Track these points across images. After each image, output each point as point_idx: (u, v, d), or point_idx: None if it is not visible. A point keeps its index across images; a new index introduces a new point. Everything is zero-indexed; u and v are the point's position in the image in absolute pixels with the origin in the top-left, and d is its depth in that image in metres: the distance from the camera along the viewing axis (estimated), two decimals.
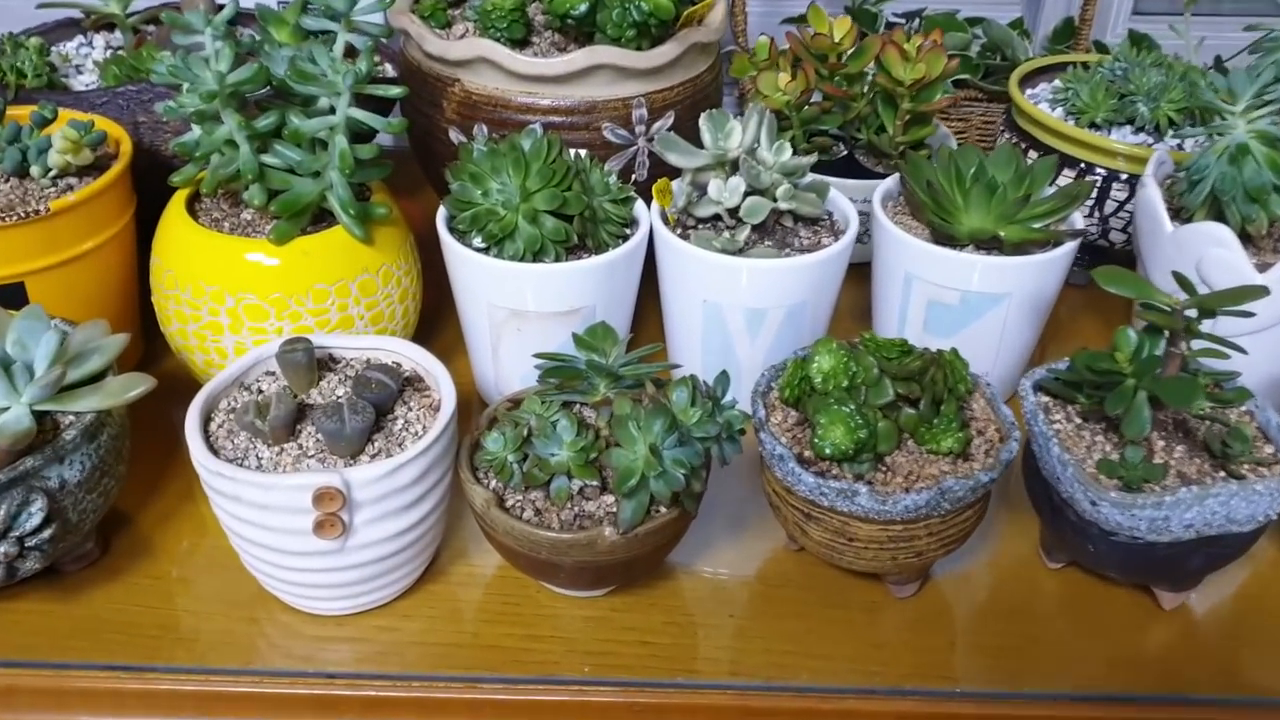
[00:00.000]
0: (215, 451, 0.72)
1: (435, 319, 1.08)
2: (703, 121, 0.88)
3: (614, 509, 0.73)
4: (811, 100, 1.11)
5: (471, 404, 1.00)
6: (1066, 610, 0.81)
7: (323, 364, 0.80)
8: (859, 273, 0.99)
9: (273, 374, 0.79)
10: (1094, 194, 1.07)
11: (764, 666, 0.76)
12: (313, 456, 0.72)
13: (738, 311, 0.89)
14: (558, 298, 0.87)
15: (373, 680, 0.75)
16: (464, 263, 0.88)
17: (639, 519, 0.71)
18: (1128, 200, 1.07)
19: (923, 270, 0.91)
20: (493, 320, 0.89)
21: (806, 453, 0.75)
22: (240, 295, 0.85)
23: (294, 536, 0.71)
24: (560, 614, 0.80)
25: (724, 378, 0.75)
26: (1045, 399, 0.81)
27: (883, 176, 1.06)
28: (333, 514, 0.69)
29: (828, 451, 0.72)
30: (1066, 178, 1.08)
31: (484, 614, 0.80)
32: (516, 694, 0.75)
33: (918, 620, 0.80)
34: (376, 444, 0.73)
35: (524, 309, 0.87)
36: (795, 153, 0.90)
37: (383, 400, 0.74)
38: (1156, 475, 0.73)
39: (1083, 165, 1.08)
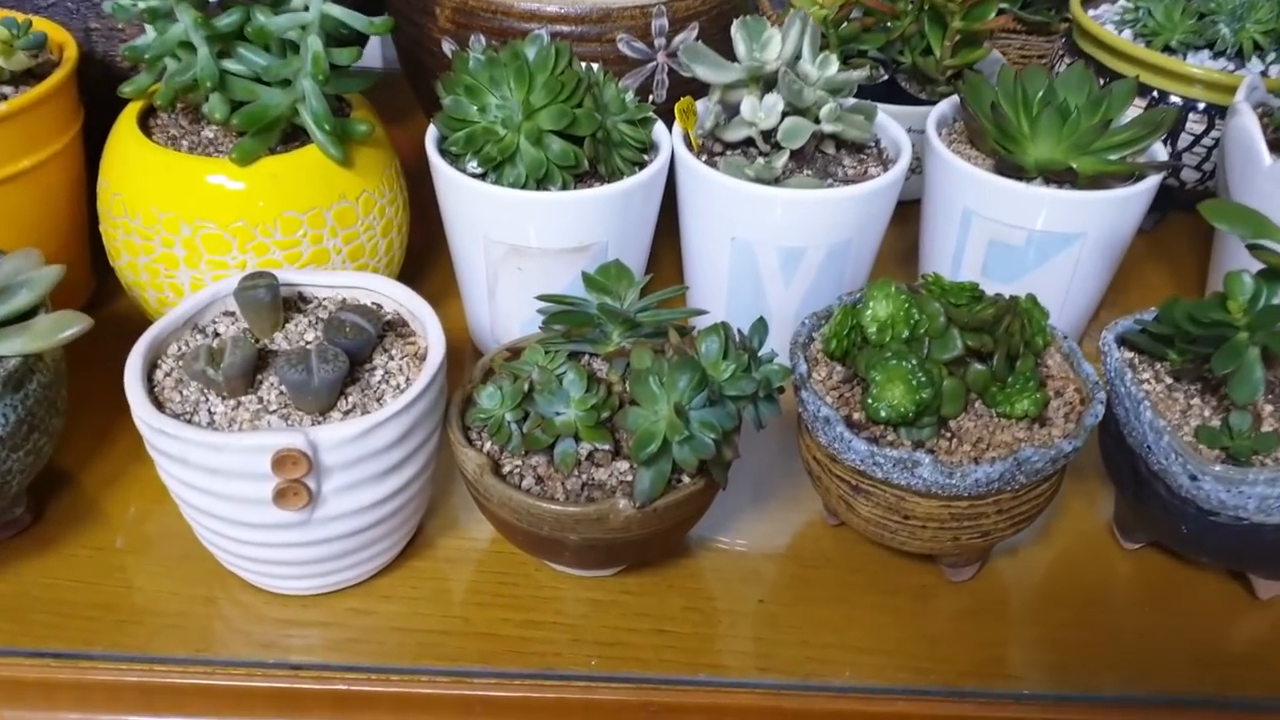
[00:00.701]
0: (160, 405, 0.61)
1: (425, 258, 0.97)
2: (736, 29, 0.77)
3: (628, 478, 0.63)
4: (851, 16, 1.00)
5: (465, 354, 0.89)
6: (1145, 598, 0.71)
7: (290, 304, 0.69)
8: (900, 213, 0.88)
9: (232, 315, 0.68)
10: None
11: (799, 661, 0.66)
12: (275, 412, 0.61)
13: (771, 251, 0.78)
14: (565, 232, 0.76)
15: (344, 672, 0.65)
16: (457, 190, 0.77)
17: (659, 491, 0.61)
18: (1205, 133, 0.96)
19: (984, 205, 0.80)
20: (489, 258, 0.78)
21: (856, 415, 0.64)
22: (198, 224, 0.75)
23: (251, 507, 0.60)
24: (564, 596, 0.70)
25: (761, 325, 0.64)
26: (1129, 355, 0.71)
27: (927, 104, 0.94)
28: (296, 481, 0.59)
29: (883, 414, 0.61)
30: (1136, 108, 0.96)
31: (475, 596, 0.69)
32: (512, 690, 0.65)
33: (976, 609, 0.70)
34: (350, 398, 0.62)
35: (525, 245, 0.76)
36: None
37: (358, 347, 0.64)
38: (1268, 445, 0.62)
39: (1154, 94, 0.97)
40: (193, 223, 0.75)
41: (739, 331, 0.62)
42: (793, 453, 0.74)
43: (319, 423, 0.61)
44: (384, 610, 0.68)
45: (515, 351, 0.70)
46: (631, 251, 0.81)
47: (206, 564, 0.69)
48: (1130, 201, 0.80)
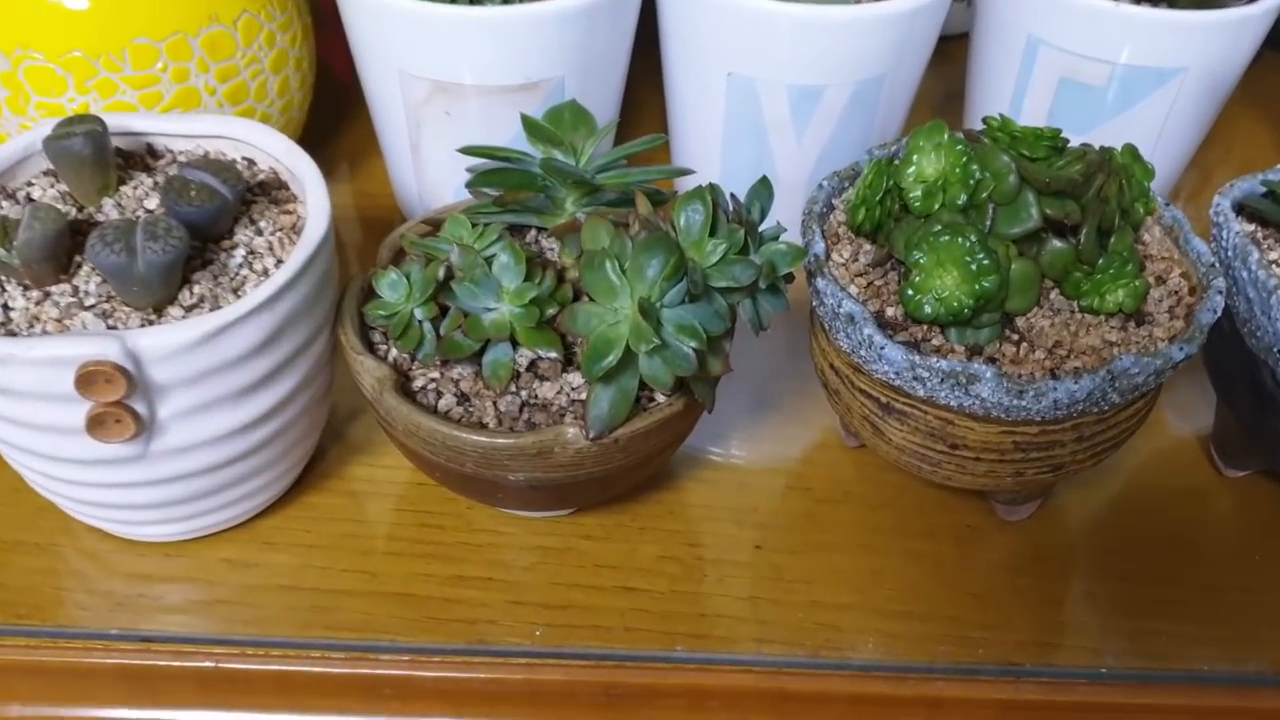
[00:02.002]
0: None
1: (346, 107, 0.80)
2: None
3: (583, 396, 0.48)
4: None
5: (391, 229, 0.73)
6: (1252, 543, 0.57)
7: (134, 160, 0.53)
8: (940, 52, 0.71)
9: (55, 175, 0.52)
10: None
11: (807, 629, 0.52)
12: (92, 308, 0.46)
13: (779, 91, 0.61)
14: (506, 63, 0.59)
15: (211, 646, 0.51)
16: (362, 6, 0.60)
17: (620, 416, 0.46)
18: None
19: (1056, 32, 0.64)
20: (409, 100, 0.62)
21: (890, 311, 0.48)
22: (21, 54, 0.58)
23: (62, 438, 0.45)
24: (504, 543, 0.55)
25: (764, 188, 0.48)
26: (1251, 227, 0.55)
27: None
28: (115, 404, 0.44)
29: (928, 311, 0.46)
30: None
31: (389, 542, 0.55)
32: (431, 669, 0.51)
33: (1036, 557, 0.56)
34: (198, 289, 0.47)
35: (455, 81, 0.60)
36: None
37: (208, 217, 0.48)
38: None
39: None
40: (13, 52, 0.58)
41: (732, 198, 0.46)
42: (803, 352, 0.58)
43: (150, 322, 0.46)
44: (267, 562, 0.54)
45: (436, 225, 0.54)
46: (596, 92, 0.64)
47: (37, 500, 0.54)
48: (1246, 27, 0.63)
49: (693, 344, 0.43)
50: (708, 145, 0.67)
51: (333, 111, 0.79)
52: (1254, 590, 0.55)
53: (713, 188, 0.46)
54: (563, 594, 0.53)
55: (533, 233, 0.55)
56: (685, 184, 0.72)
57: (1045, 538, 0.57)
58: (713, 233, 0.45)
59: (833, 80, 0.61)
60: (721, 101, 0.64)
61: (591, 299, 0.45)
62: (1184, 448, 0.62)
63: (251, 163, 0.54)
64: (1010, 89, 0.67)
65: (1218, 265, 0.50)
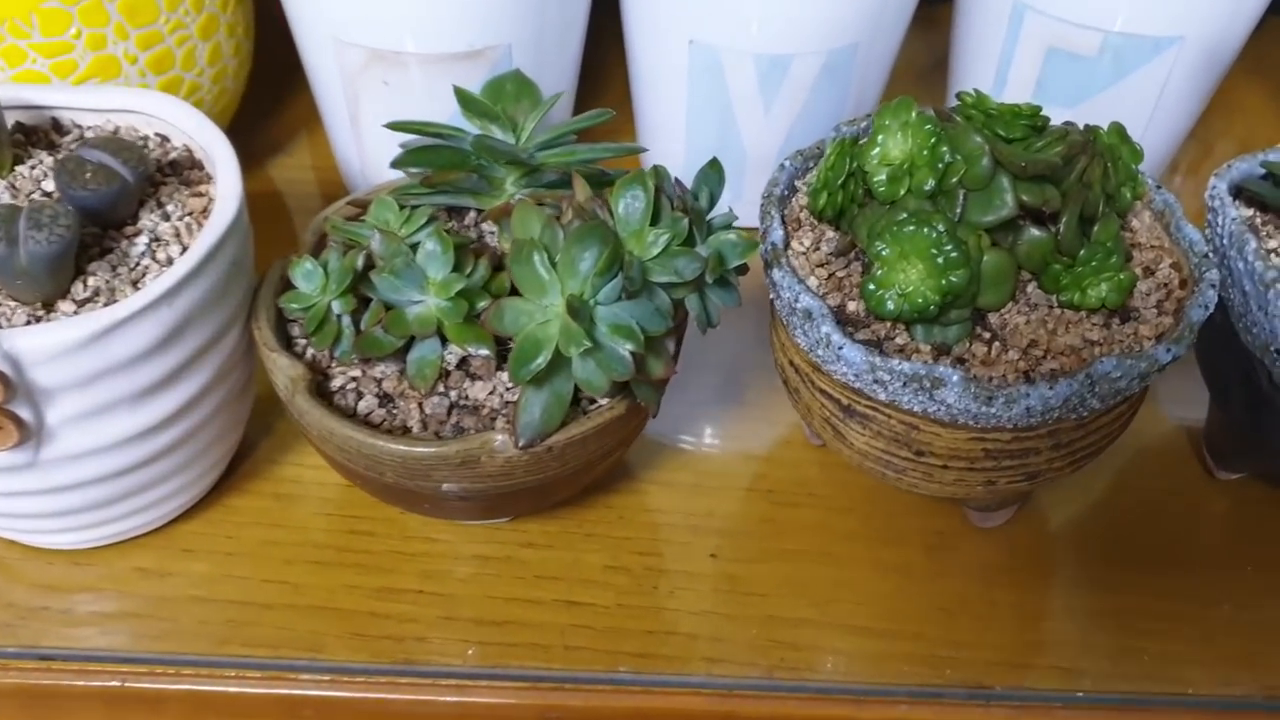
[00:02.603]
0: None
1: (298, 73, 0.76)
2: None
3: (516, 397, 0.44)
4: None
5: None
6: (1248, 552, 0.54)
7: (37, 137, 0.49)
8: (923, 16, 0.67)
9: None
10: None
11: (763, 647, 0.49)
12: None
13: (745, 61, 0.58)
14: (447, 29, 0.56)
15: (118, 665, 0.47)
16: None
17: (553, 422, 0.42)
18: None
19: None
20: (344, 69, 0.58)
21: (852, 305, 0.45)
22: None
23: None
24: (438, 552, 0.52)
25: (713, 171, 0.44)
26: (1249, 213, 0.51)
27: None
28: None
29: (890, 307, 0.42)
30: None
31: (313, 550, 0.52)
32: (355, 689, 0.48)
33: (1011, 567, 0.52)
34: (93, 281, 0.43)
35: (392, 48, 0.56)
36: None
37: (105, 201, 0.44)
38: None
39: None
40: None
41: (677, 183, 0.42)
42: (762, 338, 0.55)
43: (37, 319, 0.42)
44: (184, 571, 0.51)
45: (365, 206, 0.50)
46: (549, 62, 0.60)
47: None
48: None
49: (629, 346, 0.40)
50: (671, 119, 0.63)
51: (281, 78, 0.75)
52: (1246, 605, 0.51)
53: (656, 171, 0.43)
54: (499, 608, 0.50)
55: (472, 215, 0.51)
56: (647, 161, 0.68)
57: (1021, 545, 0.53)
58: (654, 221, 0.41)
59: (802, 49, 0.57)
60: (684, 72, 0.60)
61: (518, 293, 0.41)
62: (1173, 446, 0.58)
63: (165, 139, 0.50)
64: (995, 59, 0.63)
65: (1211, 256, 0.47)
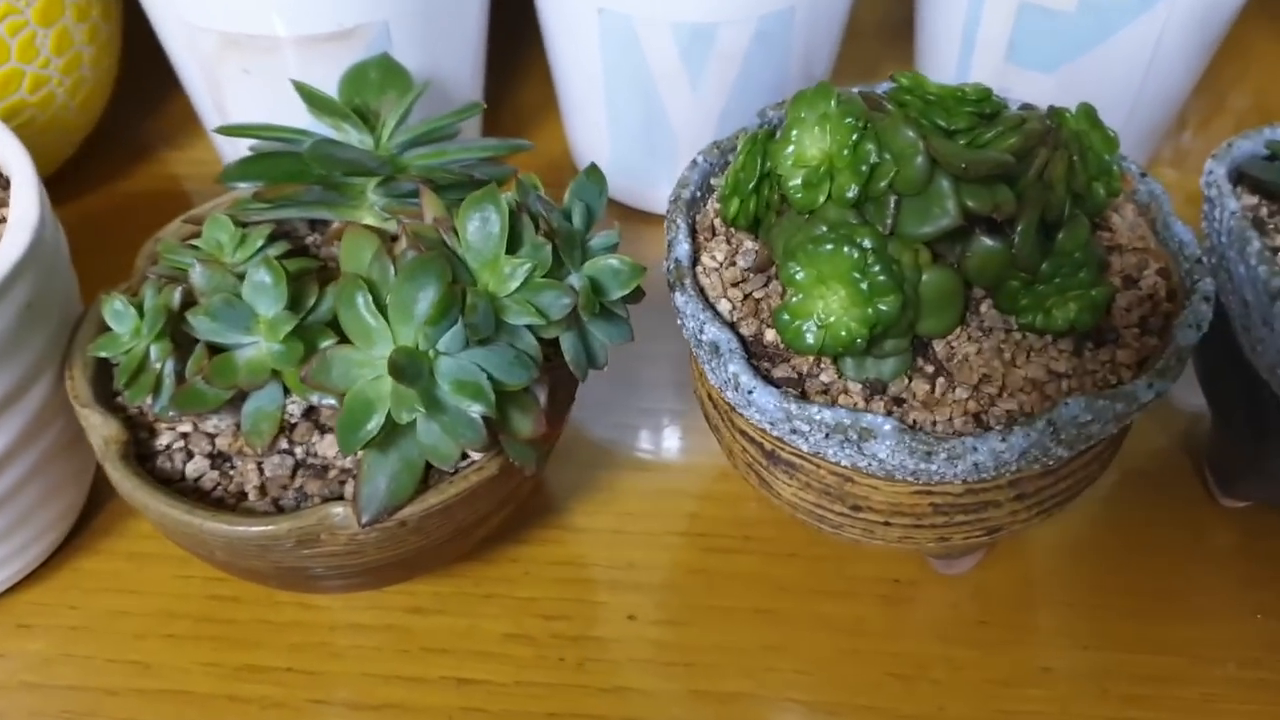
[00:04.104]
0: None
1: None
2: None
3: None
4: None
5: None
6: (1256, 594, 0.46)
7: None
8: None
9: None
10: None
11: None
12: None
13: (663, 31, 0.50)
14: (308, 5, 0.48)
15: None
16: None
17: (404, 493, 0.35)
18: None
19: None
20: (201, 56, 0.51)
21: (772, 333, 0.38)
22: None
23: None
24: (310, 620, 0.45)
25: (591, 180, 0.37)
26: (1253, 200, 0.44)
27: None
28: None
29: (809, 340, 0.35)
30: None
31: (168, 621, 0.45)
32: None
33: (980, 620, 0.45)
34: None
35: (247, 30, 0.48)
36: None
37: None
38: None
39: None
40: None
41: (540, 199, 0.35)
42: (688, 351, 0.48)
43: None
44: (16, 651, 0.45)
45: (202, 223, 0.43)
46: (439, 41, 0.53)
47: None
48: None
49: (477, 407, 0.32)
50: (590, 102, 0.56)
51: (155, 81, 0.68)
52: (1253, 662, 0.44)
53: (519, 184, 0.35)
54: (378, 689, 0.43)
55: (313, 237, 0.44)
56: (586, 161, 0.60)
57: (992, 593, 0.46)
58: (512, 249, 0.34)
59: (727, 16, 0.49)
60: (596, 46, 0.52)
61: (347, 341, 0.34)
62: (1171, 466, 0.51)
63: None
64: (961, 19, 0.55)
65: (1205, 261, 0.39)
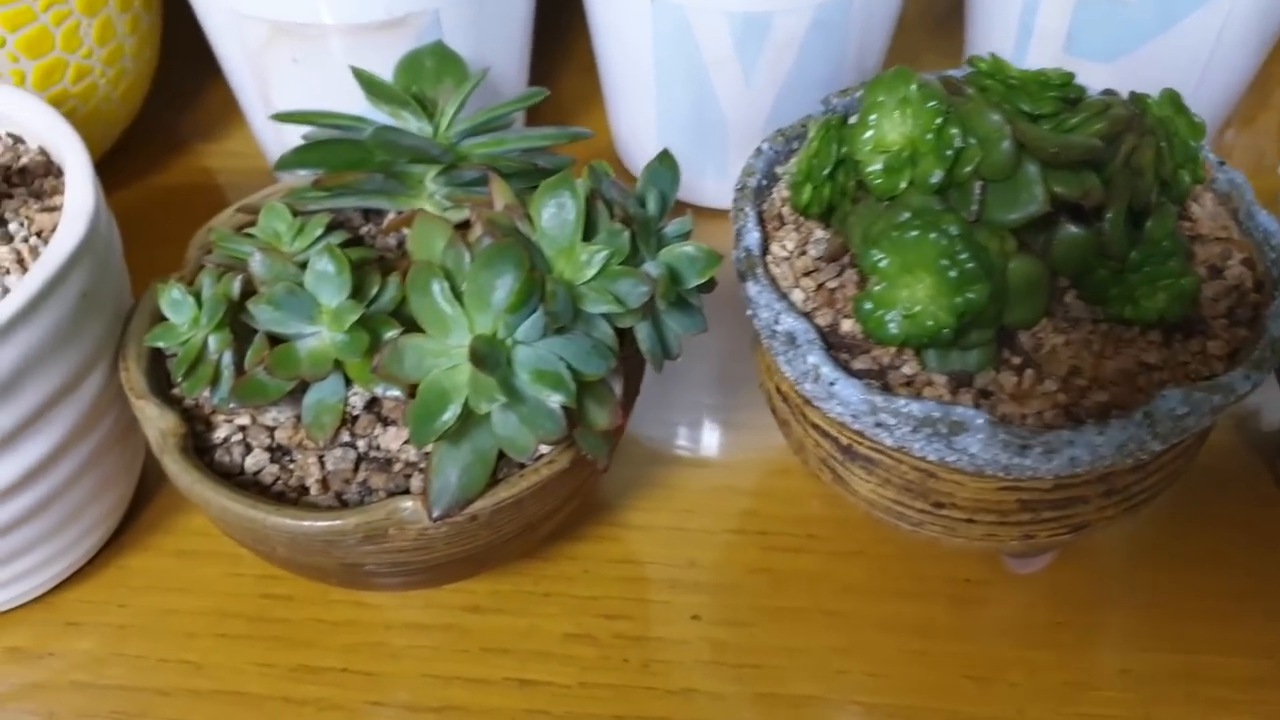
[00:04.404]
0: None
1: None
2: None
3: None
4: None
5: None
6: None
7: None
8: None
9: None
10: None
11: None
12: None
13: (718, 21, 0.49)
14: None
15: None
16: None
17: (476, 486, 0.34)
18: None
19: None
20: (248, 46, 0.50)
21: (848, 323, 0.36)
22: None
23: None
24: (367, 620, 0.44)
25: (664, 166, 0.35)
26: None
27: None
28: None
29: (893, 330, 0.34)
30: None
31: (220, 620, 0.44)
32: None
33: (1055, 621, 0.44)
34: None
35: (296, 19, 0.48)
36: None
37: None
38: None
39: None
40: None
41: (614, 184, 0.34)
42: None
43: None
44: (66, 650, 0.43)
45: (257, 212, 0.42)
46: (490, 30, 0.52)
47: None
48: None
49: (557, 397, 0.31)
50: (640, 93, 0.55)
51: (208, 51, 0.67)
52: None
53: (592, 170, 0.34)
54: (438, 690, 0.42)
55: (392, 217, 0.43)
56: (632, 151, 0.59)
57: (1068, 593, 0.45)
58: (588, 236, 0.33)
59: (784, 5, 0.48)
60: (649, 36, 0.51)
61: (418, 329, 0.33)
62: (1241, 463, 0.50)
63: (17, 141, 0.42)
64: (1017, 7, 0.54)
65: None
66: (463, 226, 0.36)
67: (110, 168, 0.62)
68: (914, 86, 0.35)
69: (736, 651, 0.43)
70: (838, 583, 0.45)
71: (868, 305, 0.34)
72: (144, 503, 0.48)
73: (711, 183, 0.57)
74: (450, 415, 0.32)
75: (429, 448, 0.35)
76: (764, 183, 0.41)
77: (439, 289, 0.32)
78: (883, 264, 0.34)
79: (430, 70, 0.42)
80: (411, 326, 0.35)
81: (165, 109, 0.66)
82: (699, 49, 0.50)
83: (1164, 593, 0.45)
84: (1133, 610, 0.45)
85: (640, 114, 0.56)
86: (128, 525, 0.47)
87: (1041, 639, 0.44)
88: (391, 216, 0.42)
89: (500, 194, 0.35)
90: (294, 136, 0.50)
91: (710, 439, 0.51)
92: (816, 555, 0.46)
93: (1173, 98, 0.37)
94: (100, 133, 0.57)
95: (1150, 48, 0.53)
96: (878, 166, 0.35)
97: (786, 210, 0.40)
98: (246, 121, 0.59)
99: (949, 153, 0.34)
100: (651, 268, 0.34)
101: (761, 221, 0.40)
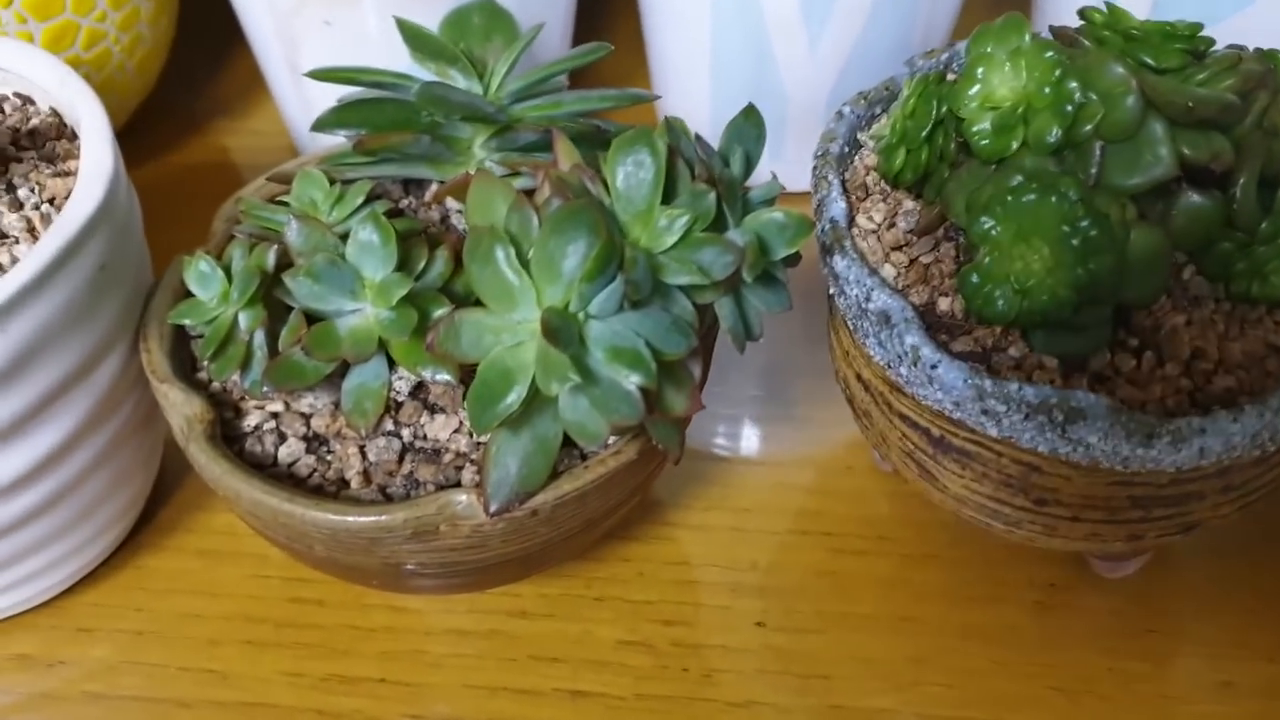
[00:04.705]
0: None
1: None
2: None
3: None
4: None
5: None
6: None
7: None
8: None
9: None
10: None
11: None
12: None
13: None
14: None
15: None
16: None
17: (537, 479, 0.30)
18: None
19: None
20: (276, 7, 0.46)
21: (945, 302, 0.33)
22: None
23: None
24: (404, 625, 0.41)
25: (749, 122, 0.32)
26: None
27: None
28: None
29: (1002, 307, 0.30)
30: None
31: (246, 625, 0.41)
32: None
33: (1150, 628, 0.41)
34: None
35: None
36: None
37: None
38: None
39: None
40: None
41: (698, 141, 0.31)
42: (822, 335, 0.43)
43: None
44: (78, 658, 0.40)
45: (289, 182, 0.39)
46: None
47: None
48: None
49: (636, 378, 0.28)
50: (693, 58, 0.51)
51: (230, 22, 0.63)
52: None
53: (670, 126, 0.31)
54: (483, 702, 0.39)
55: (434, 188, 0.40)
56: (669, 109, 0.56)
57: (1157, 599, 0.42)
58: (667, 198, 0.30)
59: None
60: (708, 2, 0.48)
61: (478, 301, 0.29)
62: None
63: (27, 101, 0.39)
64: None
65: None
66: (534, 191, 0.33)
67: (125, 144, 0.58)
68: (1028, 36, 0.31)
69: (802, 661, 0.40)
70: (911, 588, 0.42)
71: (974, 279, 0.31)
72: (163, 499, 0.44)
73: (767, 162, 0.53)
74: (515, 398, 0.29)
75: (485, 436, 0.32)
76: (846, 149, 0.37)
77: (503, 256, 0.28)
78: (995, 232, 0.30)
79: (478, 27, 0.39)
80: (462, 305, 0.31)
81: (183, 84, 0.63)
82: (762, 14, 0.47)
83: (1265, 598, 0.41)
84: (1232, 617, 0.41)
85: (694, 88, 0.52)
86: (145, 523, 0.44)
87: (1133, 648, 0.40)
88: (435, 187, 0.38)
89: (566, 154, 0.31)
90: (324, 108, 0.46)
91: (768, 433, 0.47)
92: (887, 558, 0.43)
93: None
94: (114, 105, 0.54)
95: (1241, 15, 0.50)
96: (985, 125, 0.32)
97: (872, 179, 0.37)
98: (271, 95, 0.55)
99: (1068, 108, 0.31)
100: (737, 236, 0.30)
101: (845, 191, 0.36)
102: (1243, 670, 0.40)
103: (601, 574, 0.42)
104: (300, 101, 0.51)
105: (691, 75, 0.52)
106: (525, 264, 0.29)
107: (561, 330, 0.27)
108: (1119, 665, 0.40)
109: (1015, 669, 0.40)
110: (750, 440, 0.47)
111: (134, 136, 0.59)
